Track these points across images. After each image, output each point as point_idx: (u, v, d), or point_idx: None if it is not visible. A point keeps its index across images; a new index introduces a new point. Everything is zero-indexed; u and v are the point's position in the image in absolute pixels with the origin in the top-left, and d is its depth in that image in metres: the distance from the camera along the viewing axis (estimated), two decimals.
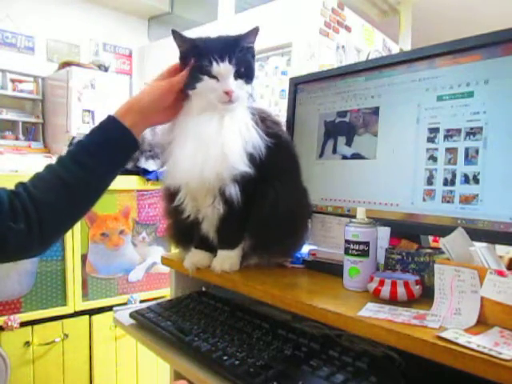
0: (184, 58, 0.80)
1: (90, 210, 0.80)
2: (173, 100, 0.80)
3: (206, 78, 0.76)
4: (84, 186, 0.74)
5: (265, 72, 3.87)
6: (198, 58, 0.77)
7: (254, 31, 0.78)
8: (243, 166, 0.75)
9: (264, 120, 0.81)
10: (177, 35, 0.78)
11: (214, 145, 0.75)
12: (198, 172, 0.75)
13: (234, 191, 0.76)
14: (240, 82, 0.76)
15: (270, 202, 0.80)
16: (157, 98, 0.79)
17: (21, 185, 0.71)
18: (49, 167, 0.74)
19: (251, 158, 0.76)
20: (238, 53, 0.75)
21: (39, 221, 0.69)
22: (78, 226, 1.55)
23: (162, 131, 0.88)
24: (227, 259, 0.82)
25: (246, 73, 0.77)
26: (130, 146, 0.79)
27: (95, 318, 1.60)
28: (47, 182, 0.72)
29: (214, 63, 0.74)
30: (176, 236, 0.94)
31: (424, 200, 0.79)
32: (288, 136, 0.92)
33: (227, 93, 0.75)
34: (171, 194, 0.84)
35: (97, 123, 0.78)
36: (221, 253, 0.83)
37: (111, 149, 0.77)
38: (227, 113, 0.77)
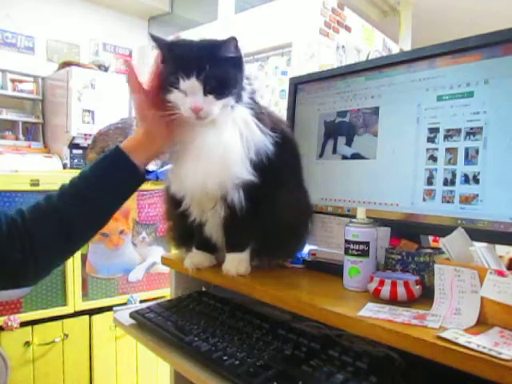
0: (163, 61, 0.75)
1: (86, 242, 0.79)
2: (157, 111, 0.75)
3: (175, 90, 0.72)
4: (81, 218, 0.72)
5: (265, 72, 3.87)
6: (168, 67, 0.73)
7: (231, 41, 0.71)
8: (246, 175, 0.73)
9: (270, 117, 0.80)
10: (154, 39, 0.74)
11: (214, 155, 0.72)
12: (200, 183, 0.73)
13: (236, 198, 0.75)
14: (210, 97, 0.70)
15: (273, 205, 0.79)
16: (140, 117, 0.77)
17: (20, 213, 0.69)
18: (48, 197, 0.72)
19: (255, 164, 0.74)
20: (211, 66, 0.70)
21: (33, 252, 0.68)
22: None
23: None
24: (241, 262, 0.80)
25: (218, 87, 0.71)
26: (136, 182, 0.78)
27: (95, 318, 1.60)
28: (44, 214, 0.70)
29: (181, 80, 0.70)
30: (177, 237, 0.94)
31: (424, 200, 0.79)
32: (292, 134, 0.90)
33: (194, 110, 0.70)
34: (175, 201, 0.82)
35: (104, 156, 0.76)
36: (231, 256, 0.81)
37: (116, 184, 0.75)
38: (222, 118, 0.74)
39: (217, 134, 0.74)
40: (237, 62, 0.74)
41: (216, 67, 0.70)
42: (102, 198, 0.74)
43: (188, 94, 0.71)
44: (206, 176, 0.73)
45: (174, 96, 0.72)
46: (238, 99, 0.75)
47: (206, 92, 0.70)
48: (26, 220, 0.68)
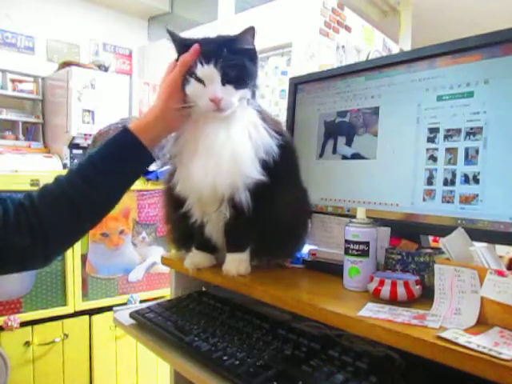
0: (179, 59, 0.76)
1: (96, 225, 0.78)
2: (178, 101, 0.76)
3: (192, 80, 0.71)
4: (90, 203, 0.72)
5: (265, 72, 3.87)
6: (185, 48, 0.73)
7: (249, 31, 0.72)
8: (257, 174, 0.73)
9: (272, 121, 0.80)
10: (171, 35, 0.75)
11: (225, 154, 0.72)
12: (210, 183, 0.73)
13: (244, 197, 0.75)
14: (229, 87, 0.70)
15: (273, 206, 0.79)
16: (164, 102, 0.76)
17: (28, 197, 0.70)
18: (57, 180, 0.72)
19: (264, 164, 0.75)
20: (228, 55, 0.69)
21: (43, 236, 0.68)
22: None
23: (168, 138, 0.84)
24: (241, 262, 0.80)
25: (236, 77, 0.70)
26: (144, 162, 0.77)
27: (95, 318, 1.60)
28: (53, 197, 0.70)
29: (199, 65, 0.70)
30: (177, 239, 0.94)
31: (424, 200, 0.79)
32: (289, 134, 0.91)
33: (213, 100, 0.69)
34: (174, 201, 0.82)
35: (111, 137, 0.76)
36: (232, 256, 0.81)
37: (122, 165, 0.75)
38: (234, 117, 0.74)
39: (227, 133, 0.73)
40: (253, 55, 0.75)
41: (234, 56, 0.70)
42: (110, 179, 0.74)
43: (206, 84, 0.70)
44: (216, 175, 0.73)
45: (192, 87, 0.72)
46: (253, 95, 0.76)
47: (225, 81, 0.70)
48: (35, 204, 0.69)
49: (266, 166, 0.75)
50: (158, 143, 0.78)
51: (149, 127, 0.75)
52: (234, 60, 0.70)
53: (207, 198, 0.76)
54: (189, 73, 0.72)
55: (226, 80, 0.70)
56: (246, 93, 0.73)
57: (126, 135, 0.75)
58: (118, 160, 0.74)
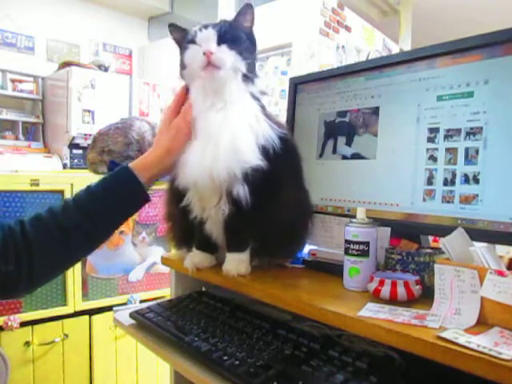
0: (180, 49, 0.80)
1: (86, 255, 0.78)
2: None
3: (190, 45, 0.75)
4: (82, 233, 0.71)
5: (265, 72, 3.87)
6: (187, 35, 0.78)
7: (245, 9, 0.77)
8: (256, 160, 0.73)
9: (277, 122, 0.81)
10: (172, 27, 0.80)
11: (223, 140, 0.73)
12: (207, 169, 0.73)
13: (242, 191, 0.74)
14: (224, 46, 0.73)
15: (274, 205, 0.79)
16: (177, 149, 0.78)
17: (19, 222, 0.69)
18: (50, 208, 0.72)
19: (264, 151, 0.74)
20: (225, 24, 0.75)
21: (29, 263, 0.67)
22: None
23: None
24: (241, 262, 0.80)
25: (231, 39, 0.74)
26: (140, 202, 0.78)
27: (95, 317, 1.60)
28: (44, 224, 0.70)
29: (198, 31, 0.75)
30: (177, 237, 0.94)
31: (424, 200, 0.79)
32: (292, 136, 0.91)
33: (206, 53, 0.72)
34: (176, 196, 0.82)
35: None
36: (232, 256, 0.81)
37: (119, 200, 0.75)
38: (234, 106, 0.75)
39: (227, 121, 0.74)
40: (250, 34, 0.79)
41: (233, 27, 0.75)
42: (106, 213, 0.74)
43: (203, 46, 0.74)
44: (213, 160, 0.73)
45: (189, 51, 0.76)
46: (251, 80, 0.77)
47: (220, 41, 0.73)
48: (25, 229, 0.68)
49: (265, 154, 0.75)
50: (153, 182, 0.81)
51: (149, 167, 0.78)
52: (232, 28, 0.75)
53: (205, 188, 0.76)
54: (186, 42, 0.77)
55: (221, 40, 0.74)
56: (239, 62, 0.75)
57: (127, 172, 0.76)
58: (115, 195, 0.75)
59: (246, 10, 0.77)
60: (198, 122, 0.77)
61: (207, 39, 0.73)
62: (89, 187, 0.75)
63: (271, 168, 0.75)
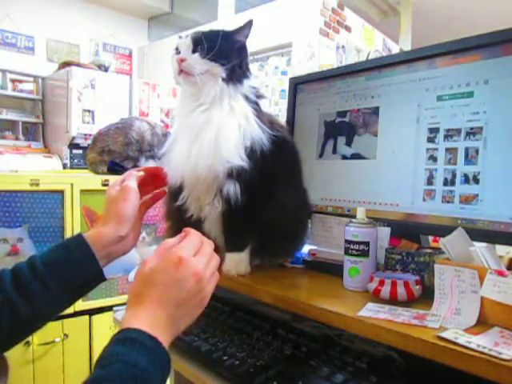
0: None
1: (22, 338, 0.65)
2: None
3: (174, 54, 0.79)
4: (10, 309, 0.59)
5: (265, 72, 3.87)
6: None
7: (245, 24, 0.80)
8: (237, 160, 0.73)
9: (272, 123, 0.81)
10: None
11: (208, 137, 0.74)
12: (191, 167, 0.75)
13: (232, 190, 0.75)
14: (196, 55, 0.76)
15: (273, 205, 0.79)
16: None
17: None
18: (13, 268, 0.62)
19: (250, 153, 0.75)
20: (204, 35, 0.77)
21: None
22: (77, 226, 1.55)
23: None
24: (241, 262, 0.80)
25: (206, 48, 0.76)
26: (90, 273, 0.64)
27: (95, 317, 1.60)
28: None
29: (180, 40, 0.79)
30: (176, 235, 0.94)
31: (424, 200, 0.79)
32: (291, 138, 0.91)
33: (178, 61, 0.76)
34: (173, 195, 0.83)
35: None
36: (231, 256, 0.81)
37: (65, 271, 0.62)
38: (219, 107, 0.77)
39: (211, 120, 0.76)
40: (237, 42, 0.80)
41: (211, 34, 0.78)
42: (46, 286, 0.60)
43: (181, 53, 0.78)
44: (197, 159, 0.74)
45: (172, 58, 0.79)
46: (236, 81, 0.78)
47: (195, 50, 0.77)
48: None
49: (252, 155, 0.75)
50: (108, 260, 0.68)
51: (103, 237, 0.66)
52: (210, 37, 0.77)
53: (193, 186, 0.78)
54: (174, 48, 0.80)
55: (195, 49, 0.77)
56: (215, 67, 0.77)
57: (77, 239, 0.65)
58: (61, 264, 0.63)
59: (245, 26, 0.79)
60: (184, 123, 0.79)
61: (184, 47, 0.78)
62: (32, 257, 0.63)
63: (262, 168, 0.76)
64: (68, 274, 0.62)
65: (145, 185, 0.77)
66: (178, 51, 0.78)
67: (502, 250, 0.71)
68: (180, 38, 0.80)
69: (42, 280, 0.60)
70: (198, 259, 0.52)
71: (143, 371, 0.43)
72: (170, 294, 0.49)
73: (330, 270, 0.82)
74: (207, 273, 0.53)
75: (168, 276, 0.50)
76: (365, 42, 4.06)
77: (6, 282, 0.59)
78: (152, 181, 0.80)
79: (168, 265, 0.50)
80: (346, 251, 0.73)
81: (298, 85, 1.05)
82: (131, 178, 0.73)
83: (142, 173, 0.76)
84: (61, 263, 0.63)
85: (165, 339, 0.46)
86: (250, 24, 0.79)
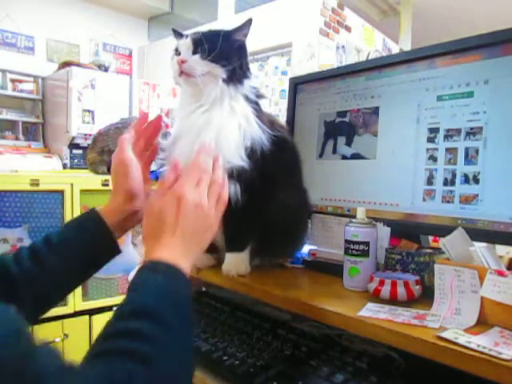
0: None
1: (41, 314, 0.65)
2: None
3: (174, 55, 0.79)
4: (31, 284, 0.61)
5: (265, 72, 3.87)
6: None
7: (244, 23, 0.79)
8: (238, 160, 0.74)
9: (272, 123, 0.81)
10: (175, 32, 0.82)
11: (208, 137, 0.74)
12: None
13: (232, 190, 0.75)
14: (197, 56, 0.76)
15: (273, 205, 0.79)
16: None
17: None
18: (32, 244, 0.64)
19: (250, 153, 0.75)
20: (203, 35, 0.77)
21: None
22: None
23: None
24: (241, 262, 0.80)
25: (206, 49, 0.76)
26: (105, 245, 0.67)
27: (95, 317, 1.60)
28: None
29: (179, 40, 0.79)
30: None
31: (424, 200, 0.79)
32: (292, 139, 0.91)
33: (178, 62, 0.76)
34: None
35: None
36: (231, 256, 0.81)
37: (80, 244, 0.64)
38: (219, 107, 0.76)
39: (211, 121, 0.76)
40: (236, 41, 0.79)
41: (211, 35, 0.77)
42: (62, 260, 0.63)
43: (181, 54, 0.77)
44: None
45: (172, 59, 0.79)
46: (237, 82, 0.78)
47: (195, 52, 0.76)
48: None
49: (252, 155, 0.75)
50: (124, 231, 0.72)
51: (115, 211, 0.68)
52: (210, 37, 0.77)
53: None
54: (174, 49, 0.80)
55: (196, 51, 0.76)
56: (216, 69, 0.76)
57: (90, 214, 0.68)
58: (75, 238, 0.65)
59: (244, 25, 0.79)
60: (184, 124, 0.79)
61: (184, 48, 0.77)
62: (47, 234, 0.66)
63: (262, 168, 0.76)
64: (83, 246, 0.65)
65: (141, 140, 0.76)
66: (177, 52, 0.78)
67: (502, 249, 0.71)
68: (176, 35, 0.80)
69: (58, 254, 0.63)
70: (199, 191, 0.58)
71: (170, 291, 0.49)
72: (180, 227, 0.55)
73: (330, 270, 0.82)
74: (211, 202, 0.59)
75: (175, 212, 0.55)
76: (365, 41, 4.06)
77: (23, 257, 0.62)
78: (145, 134, 0.77)
79: (172, 203, 0.56)
80: (346, 251, 0.73)
81: (297, 85, 1.05)
82: (125, 147, 0.71)
83: (132, 134, 0.74)
84: (75, 237, 0.65)
85: (183, 266, 0.52)
86: (249, 23, 0.78)
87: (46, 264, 0.62)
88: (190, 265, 0.54)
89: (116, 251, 0.69)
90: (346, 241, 0.73)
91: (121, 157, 0.70)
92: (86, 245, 0.65)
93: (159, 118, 0.78)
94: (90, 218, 0.67)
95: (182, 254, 0.53)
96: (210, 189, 0.61)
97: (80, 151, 3.88)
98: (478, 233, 0.70)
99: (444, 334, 0.52)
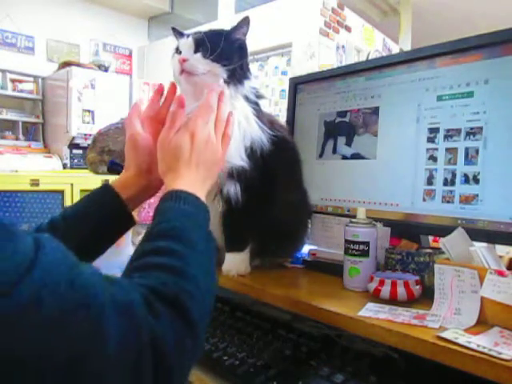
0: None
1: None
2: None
3: (175, 54, 0.78)
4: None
5: (265, 72, 3.87)
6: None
7: (241, 22, 0.79)
8: (237, 160, 0.74)
9: (272, 123, 0.81)
10: (175, 32, 0.82)
11: None
12: None
13: (232, 190, 0.75)
14: (199, 55, 0.76)
15: (273, 205, 0.79)
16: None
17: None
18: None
19: (250, 153, 0.75)
20: (205, 35, 0.77)
21: None
22: None
23: None
24: (241, 262, 0.80)
25: (208, 48, 0.76)
26: (119, 216, 0.70)
27: None
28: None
29: (181, 39, 0.78)
30: None
31: (424, 200, 0.79)
32: (292, 139, 0.91)
33: (180, 61, 0.76)
34: None
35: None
36: (231, 256, 0.81)
37: (97, 216, 0.67)
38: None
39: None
40: (236, 41, 0.79)
41: (213, 35, 0.77)
42: (81, 232, 0.67)
43: (182, 53, 0.77)
44: None
45: (173, 58, 0.78)
46: (237, 82, 0.78)
47: (197, 51, 0.76)
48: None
49: (252, 155, 0.75)
50: (139, 202, 0.74)
51: (128, 184, 0.70)
52: (211, 37, 0.77)
53: None
54: (175, 48, 0.79)
55: (197, 49, 0.76)
56: (217, 68, 0.76)
57: (105, 188, 0.70)
58: (91, 211, 0.68)
59: (242, 23, 0.79)
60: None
61: (186, 47, 0.77)
62: (65, 209, 0.70)
63: (262, 168, 0.76)
64: (98, 218, 0.68)
65: (155, 114, 0.74)
66: (178, 51, 0.78)
67: (502, 250, 0.71)
68: (176, 34, 0.80)
69: (75, 228, 0.66)
70: (208, 128, 0.63)
71: (192, 214, 0.55)
72: (195, 161, 0.61)
73: (330, 270, 0.82)
74: (217, 138, 0.64)
75: (189, 148, 0.61)
76: (365, 42, 4.06)
77: (43, 231, 0.63)
78: (165, 105, 0.76)
79: (186, 139, 0.61)
80: (346, 251, 0.73)
81: (298, 85, 1.05)
82: (133, 121, 0.71)
83: (142, 110, 0.74)
84: (90, 210, 0.68)
85: (200, 195, 0.58)
86: (246, 21, 0.78)
87: (64, 238, 0.63)
88: (204, 194, 0.61)
89: (131, 223, 0.73)
90: (346, 241, 0.73)
91: (129, 132, 0.72)
92: (101, 218, 0.68)
93: (173, 85, 0.78)
94: (104, 192, 0.69)
95: (198, 184, 0.60)
96: (216, 126, 0.65)
97: (80, 151, 3.88)
98: (478, 233, 0.70)
99: (444, 334, 0.52)
